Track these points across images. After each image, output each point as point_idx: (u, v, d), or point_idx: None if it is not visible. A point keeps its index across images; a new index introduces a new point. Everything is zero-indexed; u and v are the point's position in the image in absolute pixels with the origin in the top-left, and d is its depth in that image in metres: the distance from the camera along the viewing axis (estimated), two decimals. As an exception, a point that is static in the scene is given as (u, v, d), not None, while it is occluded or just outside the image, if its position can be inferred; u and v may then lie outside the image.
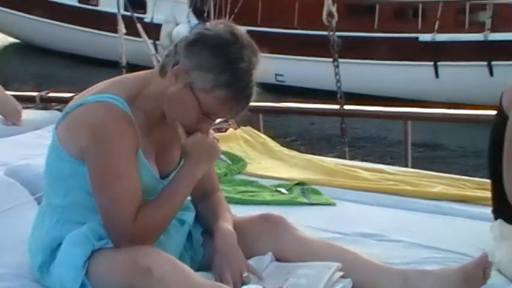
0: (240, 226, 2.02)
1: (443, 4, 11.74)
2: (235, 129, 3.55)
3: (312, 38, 11.38)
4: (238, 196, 2.73)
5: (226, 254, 1.92)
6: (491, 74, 11.32)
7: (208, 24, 1.92)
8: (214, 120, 1.92)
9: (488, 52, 11.26)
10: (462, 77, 11.41)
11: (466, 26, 11.86)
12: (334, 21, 4.42)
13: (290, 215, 2.18)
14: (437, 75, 11.91)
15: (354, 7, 12.37)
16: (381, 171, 3.10)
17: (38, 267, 1.95)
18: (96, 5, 14.56)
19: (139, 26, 5.53)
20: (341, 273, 1.93)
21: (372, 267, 1.96)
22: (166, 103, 1.87)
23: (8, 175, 2.55)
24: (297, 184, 2.88)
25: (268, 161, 3.28)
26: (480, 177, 2.91)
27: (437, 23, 11.72)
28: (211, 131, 1.98)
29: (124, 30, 5.29)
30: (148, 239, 1.85)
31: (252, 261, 1.97)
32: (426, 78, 11.78)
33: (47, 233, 1.95)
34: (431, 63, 11.84)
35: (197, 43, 1.84)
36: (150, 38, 6.10)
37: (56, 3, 14.76)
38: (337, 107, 4.15)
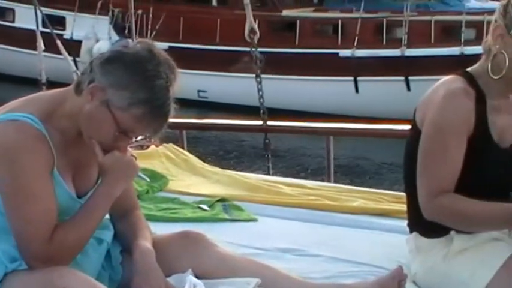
0: (159, 244, 2.01)
1: (362, 20, 12.03)
2: (157, 146, 3.54)
3: (234, 54, 11.46)
4: (159, 214, 2.71)
5: (145, 273, 1.90)
6: (409, 88, 11.65)
7: (126, 43, 1.90)
8: (131, 138, 1.90)
9: (405, 67, 11.61)
10: (381, 91, 11.70)
11: (384, 42, 12.19)
12: (256, 38, 4.46)
13: (211, 231, 2.19)
14: (357, 90, 12.17)
15: (275, 23, 12.56)
16: (302, 186, 3.14)
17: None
18: (12, 21, 14.25)
19: (59, 42, 5.45)
20: (261, 289, 1.94)
21: (290, 282, 1.98)
22: (82, 121, 1.85)
23: None
24: (218, 200, 2.89)
25: (191, 177, 3.28)
26: (398, 190, 2.99)
27: (356, 39, 12.00)
28: (129, 148, 1.96)
29: (43, 47, 5.20)
30: (64, 260, 1.81)
31: (171, 279, 1.96)
32: (346, 93, 12.03)
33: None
34: (351, 78, 12.11)
35: (113, 60, 1.82)
36: (70, 54, 6.01)
37: (-30, 19, 14.41)
38: (260, 122, 4.18)
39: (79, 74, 1.92)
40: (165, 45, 11.18)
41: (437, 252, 2.11)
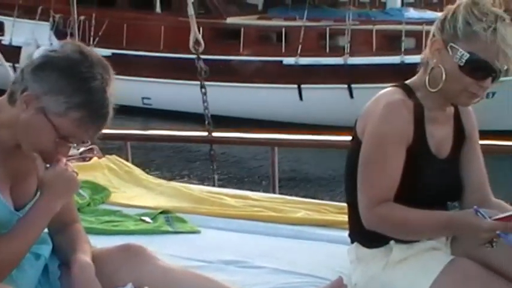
0: (99, 257, 1.98)
1: (305, 29, 12.15)
2: (100, 158, 3.50)
3: (179, 61, 11.41)
4: (101, 226, 2.68)
5: (84, 287, 1.89)
6: (351, 95, 11.80)
7: (54, 46, 1.87)
8: (72, 143, 1.87)
9: (348, 75, 11.77)
10: (324, 99, 11.82)
11: (327, 50, 12.33)
12: (201, 49, 4.47)
13: (153, 244, 2.18)
14: (301, 98, 12.27)
15: (220, 31, 12.56)
16: (246, 197, 3.15)
17: None
18: None
19: (-5, 48, 5.35)
20: (203, 303, 1.94)
21: None
22: (20, 132, 1.81)
23: None
24: (161, 212, 2.87)
25: (134, 189, 3.25)
26: (341, 201, 3.01)
27: (300, 47, 12.10)
28: (69, 163, 1.93)
29: (-20, 53, 5.10)
30: None
31: (111, 293, 1.94)
32: (291, 100, 12.12)
33: None
34: (295, 85, 12.20)
35: (44, 67, 1.79)
36: (9, 60, 5.91)
37: None
38: (205, 133, 4.18)
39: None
40: (109, 51, 11.08)
41: (377, 262, 2.14)
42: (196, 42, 4.44)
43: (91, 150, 3.50)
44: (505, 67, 2.04)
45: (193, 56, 4.52)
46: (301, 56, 12.14)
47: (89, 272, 1.91)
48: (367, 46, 11.94)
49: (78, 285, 1.88)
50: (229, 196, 3.13)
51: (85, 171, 3.22)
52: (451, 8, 2.09)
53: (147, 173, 3.51)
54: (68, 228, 2.04)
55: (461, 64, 2.04)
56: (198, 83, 4.50)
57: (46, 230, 2.00)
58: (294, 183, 8.39)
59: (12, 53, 10.59)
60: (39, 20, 13.29)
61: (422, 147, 2.12)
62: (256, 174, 9.07)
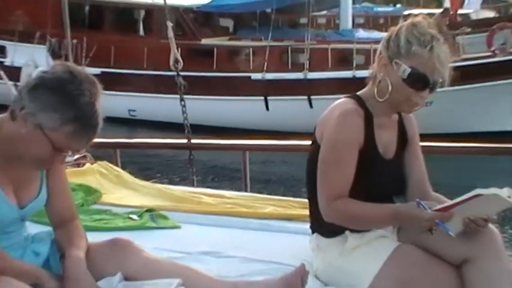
0: (90, 251, 1.97)
1: (270, 48, 12.23)
2: (92, 163, 3.47)
3: (160, 77, 11.40)
4: (93, 224, 2.65)
5: (76, 279, 1.86)
6: (311, 106, 11.87)
7: (46, 68, 1.86)
8: (67, 153, 1.86)
9: (308, 88, 11.85)
10: (288, 109, 11.88)
11: (289, 66, 12.40)
12: (180, 67, 4.47)
13: (140, 238, 2.16)
14: (267, 108, 12.31)
15: (195, 51, 12.57)
16: (221, 196, 3.13)
17: None
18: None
19: (-1, 69, 5.30)
20: (182, 288, 1.93)
21: (207, 280, 1.98)
22: (21, 145, 1.80)
23: None
24: (147, 211, 2.85)
25: (122, 191, 3.22)
26: (303, 198, 3.01)
27: (265, 63, 12.17)
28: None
29: (-16, 74, 5.05)
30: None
31: (102, 283, 1.92)
32: (258, 110, 12.17)
33: None
34: (262, 97, 12.26)
35: (38, 87, 1.78)
36: (11, 79, 5.86)
37: None
38: (185, 141, 4.17)
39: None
40: (98, 70, 11.01)
41: (335, 250, 2.15)
42: (176, 60, 4.44)
43: (84, 157, 3.49)
44: (440, 80, 2.07)
45: (173, 73, 4.52)
46: (267, 71, 12.18)
47: (80, 265, 1.89)
48: (323, 62, 12.02)
49: (70, 278, 1.87)
50: (207, 195, 3.12)
51: (79, 175, 3.21)
52: (394, 29, 2.12)
53: (134, 176, 3.48)
54: (67, 224, 2.03)
55: (404, 77, 2.06)
56: (178, 96, 4.51)
57: (44, 229, 2.01)
58: (263, 182, 8.39)
59: (14, 73, 10.50)
60: (37, 43, 13.17)
61: (372, 150, 2.14)
62: (230, 176, 9.05)
